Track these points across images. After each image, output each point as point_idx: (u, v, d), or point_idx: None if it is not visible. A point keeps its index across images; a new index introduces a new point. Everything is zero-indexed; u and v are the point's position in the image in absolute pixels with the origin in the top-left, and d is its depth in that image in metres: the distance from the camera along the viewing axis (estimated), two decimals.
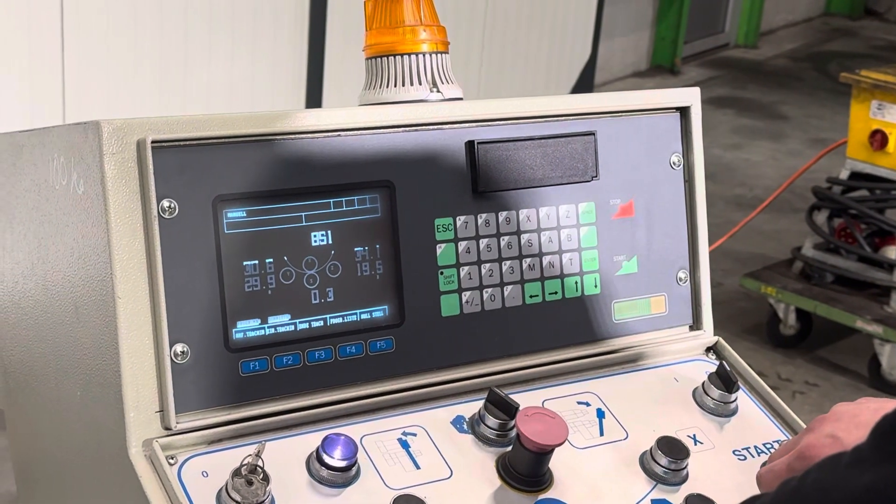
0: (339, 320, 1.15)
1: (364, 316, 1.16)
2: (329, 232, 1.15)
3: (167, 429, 1.05)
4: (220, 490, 1.02)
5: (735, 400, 1.30)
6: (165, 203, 1.05)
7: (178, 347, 1.06)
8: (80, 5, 3.84)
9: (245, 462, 1.01)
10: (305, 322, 1.13)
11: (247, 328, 1.10)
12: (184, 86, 4.39)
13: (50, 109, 3.75)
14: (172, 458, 1.04)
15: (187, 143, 1.06)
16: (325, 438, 1.07)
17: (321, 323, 1.14)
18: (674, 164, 1.36)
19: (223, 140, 1.08)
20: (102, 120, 1.03)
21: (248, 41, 4.66)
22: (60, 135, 1.11)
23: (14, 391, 1.42)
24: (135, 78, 4.16)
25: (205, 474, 1.04)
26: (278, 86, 4.94)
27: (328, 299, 1.14)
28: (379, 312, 1.17)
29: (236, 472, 1.01)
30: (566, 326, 1.29)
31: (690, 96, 1.37)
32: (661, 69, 8.94)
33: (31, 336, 1.29)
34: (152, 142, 1.03)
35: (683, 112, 1.37)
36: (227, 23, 4.53)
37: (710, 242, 1.44)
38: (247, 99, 4.69)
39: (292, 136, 1.12)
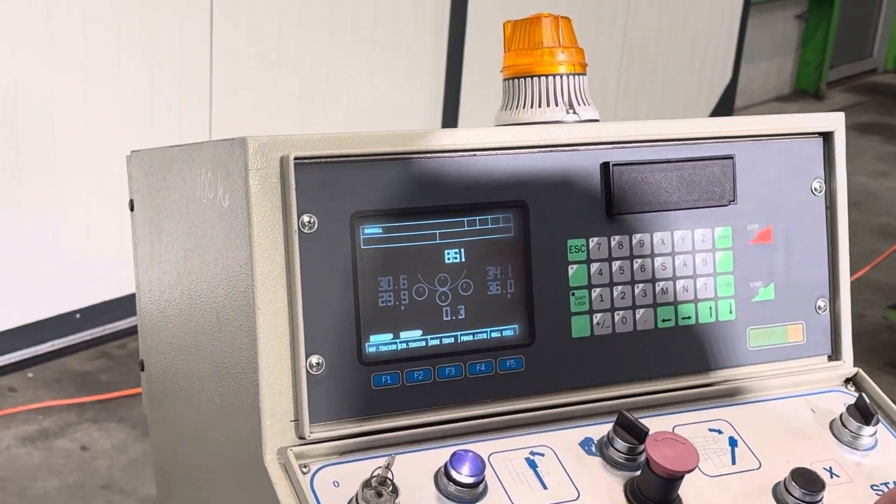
0: (470, 338, 1.16)
1: (494, 334, 1.17)
2: (462, 250, 1.16)
3: (301, 438, 1.08)
4: (351, 500, 1.04)
5: (874, 433, 1.26)
6: (306, 218, 1.08)
7: (314, 359, 1.09)
8: (228, 28, 3.98)
9: (375, 474, 1.03)
10: (436, 338, 1.15)
11: (379, 342, 1.12)
12: (324, 106, 4.50)
13: (198, 127, 3.89)
14: (305, 467, 1.07)
15: (328, 160, 1.10)
16: (454, 454, 1.08)
17: (452, 340, 1.15)
18: (815, 190, 1.34)
19: (362, 158, 1.11)
20: (249, 136, 1.07)
21: (387, 63, 4.76)
22: (209, 150, 1.16)
23: (157, 397, 1.48)
24: (277, 99, 4.28)
25: (336, 484, 1.07)
26: (416, 106, 5.02)
27: (459, 316, 1.16)
28: (509, 331, 1.18)
29: (366, 484, 1.03)
30: (699, 352, 1.27)
31: (834, 121, 1.35)
32: (804, 94, 8.74)
33: (174, 344, 1.35)
34: (295, 158, 1.07)
35: (826, 137, 1.34)
36: (367, 45, 4.63)
37: (853, 272, 1.41)
38: (385, 119, 4.78)
39: (429, 156, 1.14)
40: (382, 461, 1.05)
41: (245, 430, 1.11)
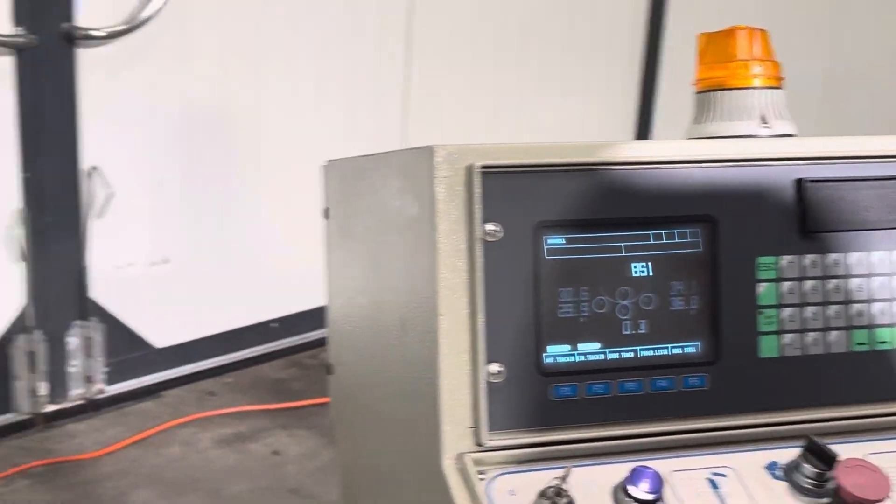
0: (650, 353, 1.15)
1: (676, 350, 1.16)
2: (649, 264, 1.15)
3: (479, 445, 1.09)
4: None
5: None
6: (490, 226, 1.10)
7: (494, 367, 1.10)
8: (425, 46, 4.07)
9: (552, 484, 1.03)
10: (616, 352, 1.14)
11: (557, 353, 1.12)
12: (517, 123, 4.53)
13: (391, 141, 3.99)
14: (483, 474, 1.08)
15: (513, 169, 1.11)
16: (634, 470, 1.07)
17: (631, 354, 1.14)
18: None
19: (548, 168, 1.12)
20: (436, 145, 1.09)
21: (580, 79, 4.75)
22: (398, 159, 1.19)
23: (343, 400, 1.53)
24: (469, 116, 4.34)
25: (511, 492, 1.07)
26: (608, 124, 5.00)
27: (640, 331, 1.15)
28: (691, 348, 1.16)
29: (542, 494, 1.04)
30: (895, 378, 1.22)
31: None
32: None
33: (360, 348, 1.39)
34: (481, 167, 1.09)
35: None
36: (560, 61, 4.64)
37: None
38: (576, 136, 4.78)
39: (616, 167, 1.14)
40: (559, 472, 1.05)
41: (425, 436, 1.13)
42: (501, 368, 1.10)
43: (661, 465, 1.11)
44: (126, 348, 3.45)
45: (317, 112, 3.80)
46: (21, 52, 2.99)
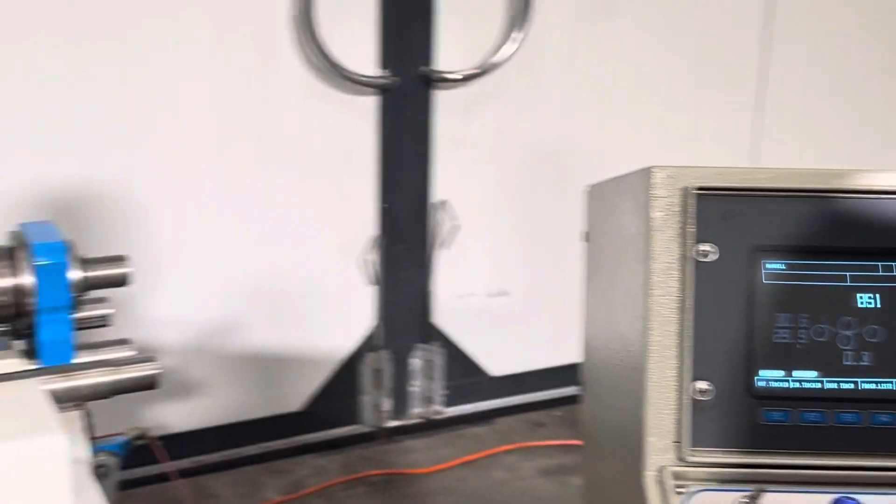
0: (873, 386, 1.13)
1: None
2: (877, 296, 1.13)
3: (681, 459, 1.13)
4: None
5: None
6: (704, 247, 1.13)
7: (701, 385, 1.13)
8: (782, 65, 3.99)
9: (740, 503, 1.05)
10: (834, 382, 1.13)
11: (770, 377, 1.13)
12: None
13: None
14: (682, 488, 1.11)
15: (732, 192, 1.14)
16: (836, 501, 1.06)
17: (851, 385, 1.13)
18: None
19: (768, 193, 1.14)
20: (655, 166, 1.15)
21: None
22: (629, 180, 1.25)
23: (589, 422, 1.59)
24: (824, 139, 4.18)
25: None
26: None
27: (862, 362, 1.13)
28: None
29: None
30: None
31: None
32: None
33: (600, 364, 1.45)
34: (696, 188, 1.13)
35: None
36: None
37: None
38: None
39: (844, 195, 1.14)
40: (748, 493, 1.06)
41: (630, 447, 1.17)
42: (709, 387, 1.13)
43: (869, 500, 1.09)
44: (463, 374, 3.67)
45: (662, 148, 3.85)
46: (384, 92, 3.31)
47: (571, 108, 3.67)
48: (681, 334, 1.13)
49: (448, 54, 3.40)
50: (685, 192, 1.13)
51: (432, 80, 3.37)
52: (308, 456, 3.48)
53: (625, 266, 1.24)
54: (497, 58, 3.41)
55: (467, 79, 3.42)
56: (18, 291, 1.63)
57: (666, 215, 1.14)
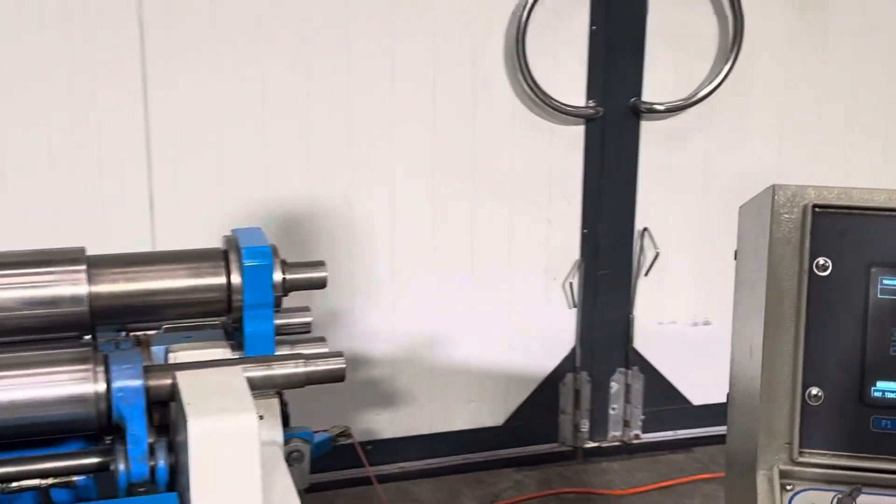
0: None
1: None
2: None
3: (792, 460, 1.20)
4: None
5: None
6: (820, 261, 1.21)
7: (813, 390, 1.20)
8: None
9: (836, 500, 1.12)
10: None
11: (886, 388, 1.19)
12: None
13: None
14: (789, 486, 1.19)
15: (850, 210, 1.21)
16: None
17: None
18: None
19: (885, 212, 1.20)
20: (779, 185, 1.23)
21: None
22: (760, 198, 1.34)
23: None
24: None
25: None
26: None
27: None
28: None
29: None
30: None
31: None
32: None
33: (736, 376, 1.52)
34: (814, 206, 1.21)
35: None
36: None
37: None
38: None
39: None
40: (847, 489, 1.13)
41: (749, 448, 1.25)
42: (821, 393, 1.20)
43: None
44: (664, 400, 3.72)
45: (877, 175, 3.76)
46: (591, 122, 3.44)
47: (781, 136, 3.68)
48: (796, 342, 1.20)
49: (656, 86, 3.49)
50: (805, 209, 1.21)
51: (640, 111, 3.48)
52: (507, 469, 3.62)
53: (754, 280, 1.32)
54: (705, 89, 3.47)
55: (675, 109, 3.50)
56: (229, 289, 1.87)
57: (787, 231, 1.22)
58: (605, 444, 3.70)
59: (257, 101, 3.16)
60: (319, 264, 2.00)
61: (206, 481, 1.63)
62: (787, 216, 1.23)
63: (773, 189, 1.24)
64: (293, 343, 2.00)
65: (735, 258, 1.65)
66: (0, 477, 1.77)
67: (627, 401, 3.68)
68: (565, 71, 3.43)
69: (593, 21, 3.39)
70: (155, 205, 3.13)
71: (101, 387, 1.71)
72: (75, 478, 1.79)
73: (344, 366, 1.90)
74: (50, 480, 1.78)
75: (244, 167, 3.21)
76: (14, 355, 1.77)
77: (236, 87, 3.14)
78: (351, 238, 3.38)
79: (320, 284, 2.02)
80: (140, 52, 3.07)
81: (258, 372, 1.82)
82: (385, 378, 3.52)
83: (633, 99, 3.46)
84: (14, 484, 1.77)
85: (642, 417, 3.71)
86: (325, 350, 1.98)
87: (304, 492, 2.13)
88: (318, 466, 3.37)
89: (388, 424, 3.56)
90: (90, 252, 1.84)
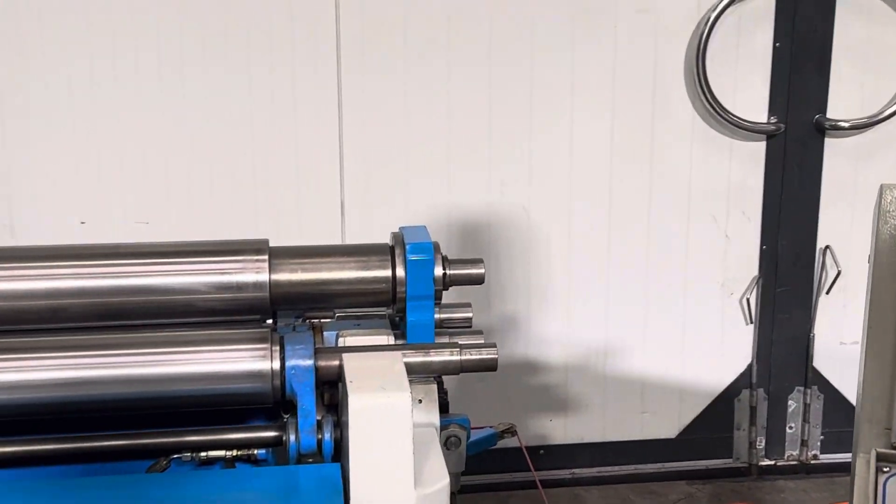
0: None
1: None
2: None
3: (892, 446, 1.26)
4: None
5: None
6: None
7: None
8: None
9: None
10: None
11: None
12: None
13: None
14: (886, 468, 1.25)
15: None
16: None
17: None
18: None
19: None
20: (885, 184, 1.30)
21: None
22: (876, 199, 1.40)
23: None
24: None
25: None
26: None
27: None
28: None
29: None
30: None
31: None
32: None
33: None
34: None
35: None
36: None
37: None
38: None
39: None
40: None
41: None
42: None
43: None
44: (844, 421, 3.67)
45: None
46: (770, 138, 3.47)
47: None
48: None
49: (841, 102, 3.49)
50: None
51: (824, 128, 3.48)
52: (678, 482, 3.67)
53: (868, 277, 1.39)
54: (893, 106, 3.44)
55: (861, 127, 3.48)
56: (394, 281, 2.06)
57: (891, 229, 1.29)
58: (780, 463, 3.69)
59: (442, 113, 3.36)
60: (478, 261, 2.17)
61: (363, 452, 1.81)
62: (891, 215, 1.29)
63: (882, 189, 1.30)
64: (452, 335, 2.17)
65: (868, 262, 1.71)
66: (193, 446, 2.03)
67: (806, 420, 3.66)
68: (746, 87, 3.48)
69: (777, 38, 3.43)
70: (346, 209, 3.38)
71: (276, 364, 1.93)
72: (256, 451, 2.02)
73: (496, 356, 2.05)
74: (234, 452, 2.01)
75: (428, 174, 3.41)
76: (202, 333, 2.02)
77: (423, 101, 3.34)
78: (529, 247, 3.53)
79: (478, 280, 2.17)
80: (336, 66, 3.33)
81: (416, 358, 1.99)
82: (559, 384, 3.65)
83: (817, 116, 3.47)
84: (203, 454, 2.02)
85: (821, 437, 3.68)
86: (481, 341, 2.14)
87: (460, 476, 2.28)
88: (494, 467, 3.55)
89: (560, 430, 3.68)
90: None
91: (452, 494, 1.99)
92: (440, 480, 1.82)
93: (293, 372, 1.92)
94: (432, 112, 3.36)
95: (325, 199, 3.38)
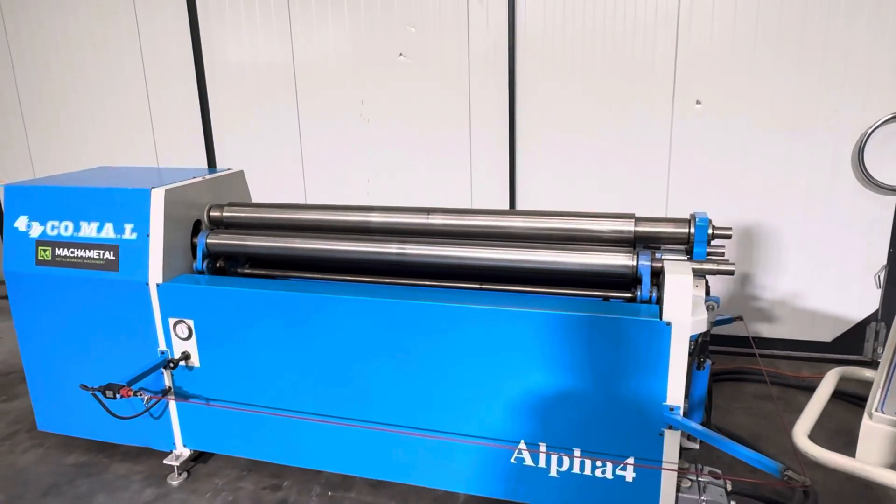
0: None
1: None
2: None
3: None
4: None
5: None
6: None
7: None
8: None
9: None
10: None
11: None
12: None
13: None
14: None
15: None
16: None
17: None
18: None
19: None
20: None
21: None
22: None
23: None
24: None
25: None
26: None
27: None
28: None
29: None
30: None
31: None
32: None
33: None
34: None
35: None
36: None
37: None
38: None
39: None
40: None
41: None
42: None
43: None
44: None
45: None
46: None
47: None
48: None
49: None
50: None
51: None
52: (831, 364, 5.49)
53: None
54: None
55: None
56: (689, 234, 4.82)
57: None
58: None
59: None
60: (727, 229, 4.88)
61: (671, 304, 4.52)
62: None
63: None
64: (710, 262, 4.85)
65: None
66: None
67: None
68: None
69: None
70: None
71: (635, 261, 4.70)
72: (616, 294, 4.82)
73: (732, 267, 4.62)
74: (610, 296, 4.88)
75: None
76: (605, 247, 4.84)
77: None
78: (762, 243, 6.17)
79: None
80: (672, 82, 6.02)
81: (696, 266, 4.69)
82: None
83: None
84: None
85: None
86: (724, 258, 4.78)
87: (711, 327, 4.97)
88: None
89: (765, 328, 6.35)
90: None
91: (705, 341, 4.44)
92: (703, 315, 4.49)
93: (642, 265, 4.71)
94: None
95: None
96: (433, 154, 7.05)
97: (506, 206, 6.94)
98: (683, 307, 4.06)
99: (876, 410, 2.47)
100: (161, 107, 7.90)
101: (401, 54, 6.80)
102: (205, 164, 7.79)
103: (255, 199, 5.79)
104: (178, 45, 7.58)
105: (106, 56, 7.89)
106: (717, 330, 5.57)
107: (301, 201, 7.55)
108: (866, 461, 2.55)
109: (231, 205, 5.43)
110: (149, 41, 7.70)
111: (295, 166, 7.55)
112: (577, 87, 6.44)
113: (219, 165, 7.76)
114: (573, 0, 6.25)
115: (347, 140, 7.33)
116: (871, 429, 2.53)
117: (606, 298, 4.54)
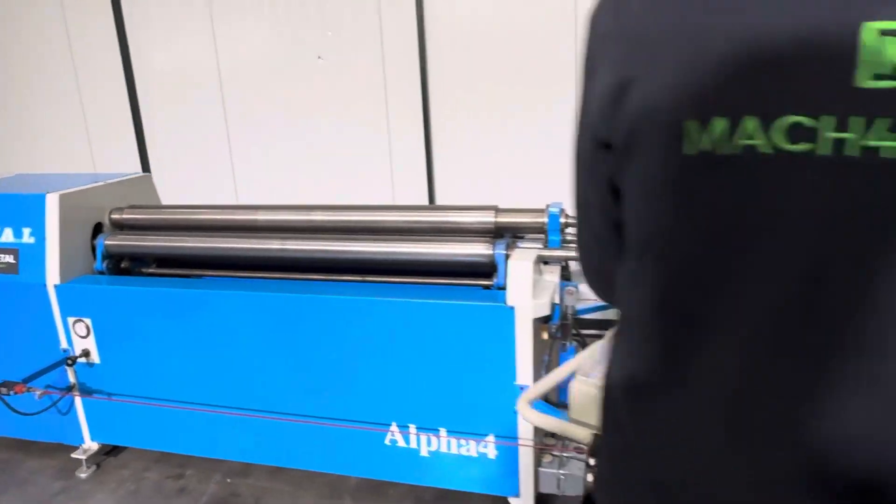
0: None
1: None
2: None
3: None
4: None
5: None
6: None
7: None
8: None
9: None
10: None
11: None
12: None
13: None
14: None
15: None
16: None
17: None
18: None
19: None
20: None
21: None
22: None
23: None
24: None
25: None
26: None
27: None
28: None
29: None
30: None
31: None
32: None
33: None
34: None
35: None
36: None
37: None
38: None
39: None
40: None
41: None
42: None
43: None
44: None
45: None
46: None
47: None
48: None
49: None
50: None
51: None
52: None
53: None
54: None
55: None
56: (543, 229, 5.15)
57: None
58: None
59: None
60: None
61: (513, 289, 4.86)
62: None
63: None
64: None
65: None
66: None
67: None
68: None
69: None
70: None
71: (492, 251, 5.02)
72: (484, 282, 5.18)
73: None
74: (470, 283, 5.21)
75: None
76: (467, 238, 5.19)
77: None
78: None
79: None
80: None
81: (544, 252, 5.06)
82: None
83: None
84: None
85: None
86: None
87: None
88: None
89: None
90: None
91: (565, 324, 4.87)
92: (546, 298, 4.86)
93: (498, 253, 5.02)
94: None
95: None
96: (356, 151, 7.40)
97: (425, 200, 7.24)
98: (524, 291, 4.42)
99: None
100: (95, 114, 8.25)
101: (319, 57, 7.13)
102: (139, 169, 8.13)
103: (192, 202, 6.14)
104: (107, 51, 7.92)
105: (36, 64, 8.23)
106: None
107: (232, 202, 7.89)
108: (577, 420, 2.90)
109: (132, 207, 5.78)
110: (80, 49, 8.05)
111: (225, 167, 7.90)
112: (489, 75, 6.76)
113: (153, 170, 8.10)
114: None
115: (273, 140, 7.67)
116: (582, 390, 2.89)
117: (488, 287, 4.86)
